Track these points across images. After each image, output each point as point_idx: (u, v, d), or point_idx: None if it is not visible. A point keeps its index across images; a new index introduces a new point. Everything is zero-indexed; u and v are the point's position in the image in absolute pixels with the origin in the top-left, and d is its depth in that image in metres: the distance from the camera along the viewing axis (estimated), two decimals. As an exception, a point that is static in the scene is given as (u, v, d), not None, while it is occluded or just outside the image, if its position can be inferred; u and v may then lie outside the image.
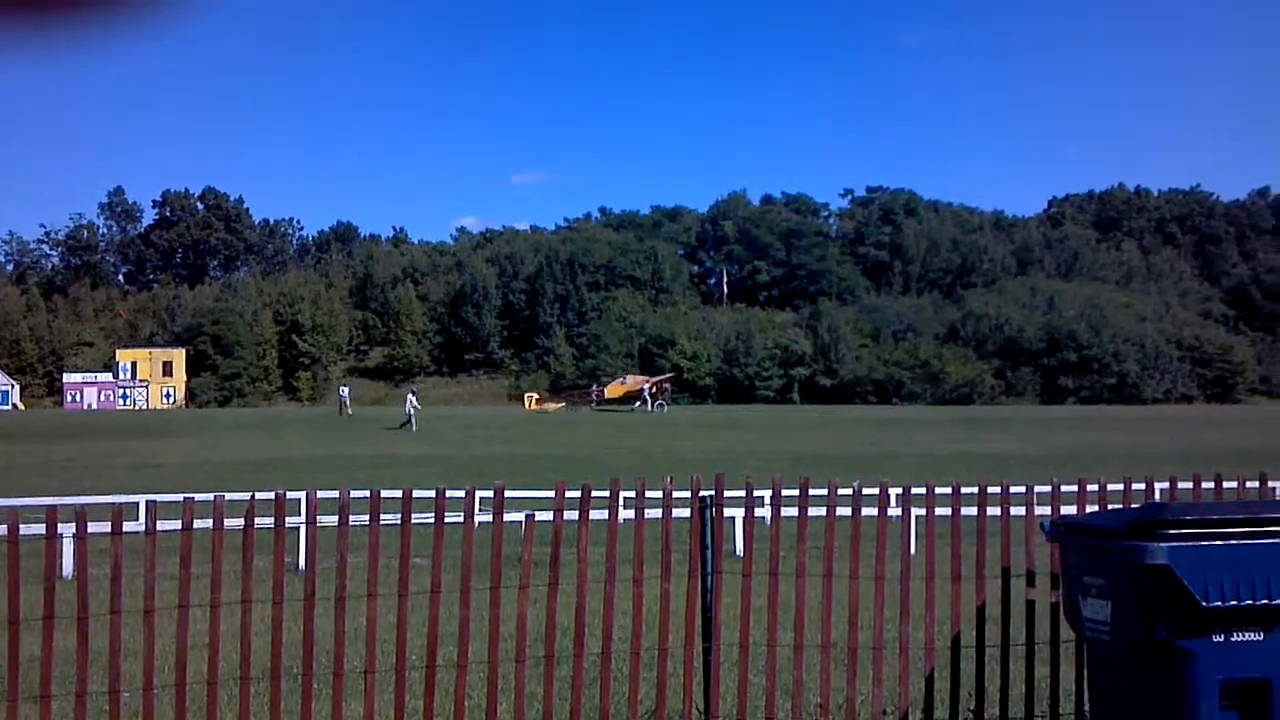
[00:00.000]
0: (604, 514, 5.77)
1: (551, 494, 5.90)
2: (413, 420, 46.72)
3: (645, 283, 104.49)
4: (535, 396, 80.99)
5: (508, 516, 6.10)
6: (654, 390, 73.00)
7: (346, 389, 65.69)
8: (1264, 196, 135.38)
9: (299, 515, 9.93)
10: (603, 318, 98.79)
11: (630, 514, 5.85)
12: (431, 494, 5.63)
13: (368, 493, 5.55)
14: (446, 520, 5.64)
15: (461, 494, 5.76)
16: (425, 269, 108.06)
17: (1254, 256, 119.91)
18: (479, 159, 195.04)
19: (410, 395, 49.94)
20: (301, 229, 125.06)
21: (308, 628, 5.51)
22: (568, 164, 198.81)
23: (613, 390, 76.75)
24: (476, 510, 5.83)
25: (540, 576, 5.74)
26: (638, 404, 71.15)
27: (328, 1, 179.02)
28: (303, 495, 8.72)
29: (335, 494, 5.88)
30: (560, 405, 77.47)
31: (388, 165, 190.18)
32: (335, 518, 5.54)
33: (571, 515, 5.67)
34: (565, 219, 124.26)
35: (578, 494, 5.60)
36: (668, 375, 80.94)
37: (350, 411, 59.69)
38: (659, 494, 5.82)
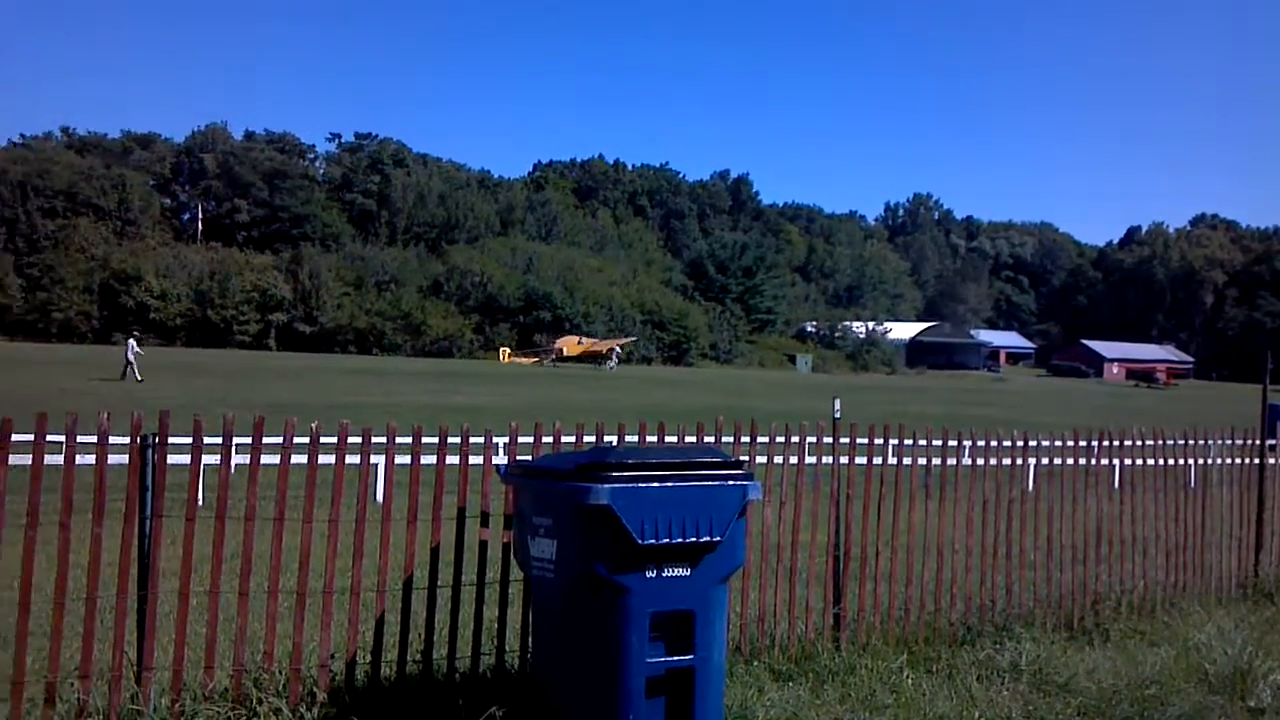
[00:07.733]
0: (27, 458, 5.19)
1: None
2: (134, 368, 40.67)
3: (110, 213, 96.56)
4: (507, 351, 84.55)
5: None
6: (620, 351, 79.73)
7: (134, 342, 43.42)
8: (724, 179, 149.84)
9: None
10: (59, 248, 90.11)
11: (59, 459, 5.29)
12: None
13: None
14: None
15: None
16: None
17: (711, 233, 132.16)
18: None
19: (131, 341, 43.22)
20: None
21: None
22: (24, 76, 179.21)
23: (570, 348, 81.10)
24: None
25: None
26: (607, 363, 76.90)
27: None
28: None
29: None
30: (535, 360, 79.46)
31: None
32: None
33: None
34: (21, 135, 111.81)
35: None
36: (630, 339, 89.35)
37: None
38: (94, 438, 5.32)
